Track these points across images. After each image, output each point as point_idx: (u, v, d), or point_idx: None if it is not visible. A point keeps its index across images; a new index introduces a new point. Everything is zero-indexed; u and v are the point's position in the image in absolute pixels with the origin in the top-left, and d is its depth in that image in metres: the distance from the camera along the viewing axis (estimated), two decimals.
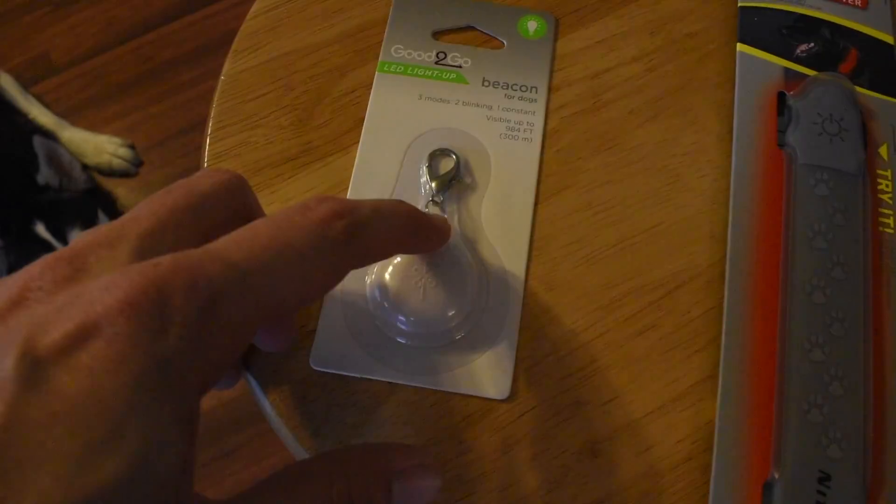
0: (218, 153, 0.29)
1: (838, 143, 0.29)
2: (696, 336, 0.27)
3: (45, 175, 0.92)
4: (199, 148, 0.95)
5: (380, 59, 0.31)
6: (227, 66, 0.31)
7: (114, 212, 1.03)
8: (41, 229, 0.87)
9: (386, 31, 0.31)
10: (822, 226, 0.28)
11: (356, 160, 0.29)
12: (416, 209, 0.22)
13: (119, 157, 1.04)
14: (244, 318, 0.17)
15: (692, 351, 0.26)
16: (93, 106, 1.10)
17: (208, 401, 0.95)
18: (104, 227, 0.18)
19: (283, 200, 0.28)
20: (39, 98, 1.09)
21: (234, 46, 0.31)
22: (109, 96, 1.11)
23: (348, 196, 0.28)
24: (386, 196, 0.28)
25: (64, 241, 0.88)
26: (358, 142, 0.29)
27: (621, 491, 0.25)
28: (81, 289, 0.16)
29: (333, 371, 0.25)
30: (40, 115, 1.04)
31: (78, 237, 0.18)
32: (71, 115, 1.09)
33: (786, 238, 0.28)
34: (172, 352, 0.15)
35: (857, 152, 0.29)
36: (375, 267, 0.26)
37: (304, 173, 0.29)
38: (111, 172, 1.05)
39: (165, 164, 1.08)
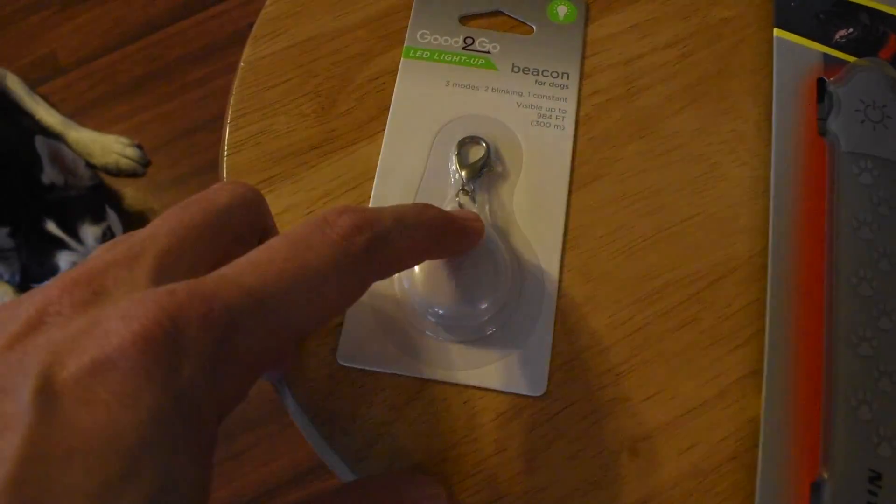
0: (238, 142, 0.28)
1: (882, 130, 0.28)
2: (738, 330, 0.25)
3: (49, 175, 0.91)
4: (208, 147, 0.95)
5: (405, 44, 0.30)
6: (246, 53, 0.30)
7: (120, 207, 1.02)
8: (52, 226, 0.86)
9: (411, 15, 0.30)
10: (867, 216, 0.26)
11: (382, 149, 0.27)
12: (443, 213, 0.21)
13: (126, 157, 1.04)
14: (262, 345, 0.16)
15: (734, 345, 0.25)
16: (100, 106, 1.09)
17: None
18: (122, 245, 0.17)
19: (306, 190, 0.27)
20: (46, 98, 1.08)
21: (253, 32, 0.30)
22: (117, 96, 1.10)
23: (374, 186, 0.27)
24: (413, 186, 0.27)
25: (75, 236, 0.87)
26: (383, 130, 0.28)
27: (663, 491, 0.24)
28: (99, 315, 0.15)
29: (361, 367, 0.24)
30: (47, 115, 1.03)
31: (95, 254, 0.17)
32: (78, 115, 1.08)
33: (829, 229, 0.27)
34: (188, 384, 0.15)
35: None
36: None
37: (328, 162, 0.27)
38: (119, 172, 1.04)
39: (173, 164, 1.07)
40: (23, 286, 0.93)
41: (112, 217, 0.95)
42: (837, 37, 0.30)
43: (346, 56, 0.30)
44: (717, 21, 0.30)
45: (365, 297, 0.24)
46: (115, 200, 1.03)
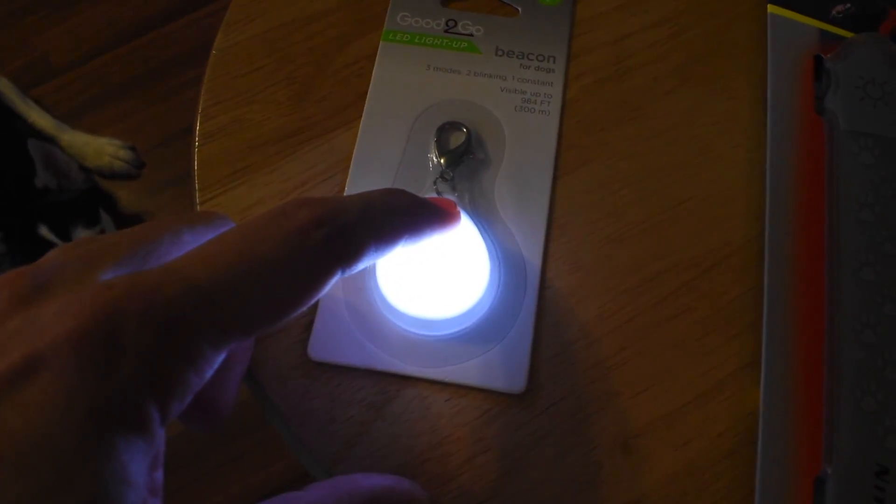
0: (209, 132, 0.27)
1: (882, 107, 0.26)
2: (734, 319, 0.24)
3: (42, 178, 0.90)
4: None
5: (384, 27, 0.28)
6: (218, 40, 0.28)
7: (115, 210, 1.01)
8: (45, 231, 0.85)
9: None
10: (869, 197, 0.25)
11: (358, 136, 0.26)
12: (414, 198, 0.20)
13: (120, 160, 1.03)
14: (207, 343, 0.15)
15: (731, 335, 0.24)
16: (93, 108, 1.08)
17: (169, 429, 0.92)
18: (84, 247, 0.16)
19: (281, 180, 0.26)
20: (39, 101, 1.07)
21: (226, 18, 0.29)
22: (110, 98, 1.09)
23: (349, 175, 0.26)
24: (390, 174, 0.26)
25: (68, 241, 0.86)
26: (361, 116, 0.27)
27: (658, 490, 0.22)
28: (36, 312, 0.14)
29: (334, 361, 0.23)
30: (39, 118, 1.02)
31: (53, 252, 0.16)
32: (71, 117, 1.07)
33: (829, 211, 0.25)
34: (126, 385, 0.14)
35: None
36: None
37: (304, 150, 0.26)
38: (113, 175, 1.03)
39: (167, 165, 1.06)
40: None
41: (106, 220, 0.94)
42: (835, 12, 0.29)
43: (321, 41, 0.28)
44: None
45: (338, 289, 0.23)
46: (110, 203, 1.02)
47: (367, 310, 0.23)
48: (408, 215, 0.19)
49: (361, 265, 0.18)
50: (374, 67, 0.28)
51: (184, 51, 1.12)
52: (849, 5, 0.29)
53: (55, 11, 1.15)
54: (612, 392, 0.23)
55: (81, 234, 0.88)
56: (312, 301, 0.17)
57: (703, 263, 0.25)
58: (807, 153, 0.27)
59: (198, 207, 0.26)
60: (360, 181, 0.26)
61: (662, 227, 0.25)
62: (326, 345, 0.23)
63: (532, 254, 0.24)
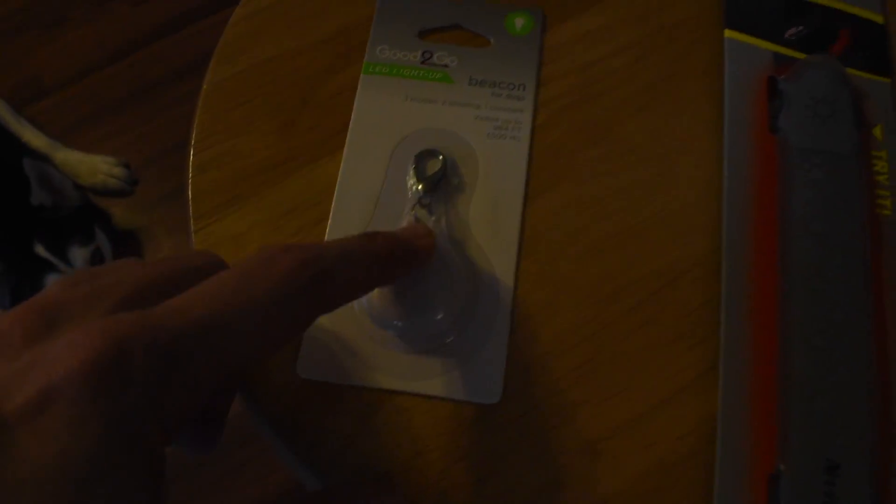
0: (202, 163, 0.29)
1: (832, 125, 0.29)
2: (696, 327, 0.26)
3: (37, 196, 0.92)
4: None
5: (365, 60, 0.31)
6: (209, 75, 0.31)
7: (109, 226, 1.03)
8: (41, 249, 0.87)
9: (371, 31, 0.31)
10: (819, 210, 0.27)
11: (342, 164, 0.28)
12: (390, 240, 0.22)
13: (114, 177, 1.05)
14: (206, 374, 0.17)
15: (693, 342, 0.26)
16: (86, 126, 1.10)
17: None
18: (85, 286, 0.18)
19: (270, 208, 0.28)
20: (32, 120, 1.09)
21: (216, 55, 0.31)
22: (103, 115, 1.11)
23: (334, 202, 0.28)
24: (372, 200, 0.28)
25: (64, 259, 0.88)
26: (344, 145, 0.29)
27: (625, 490, 0.24)
28: (48, 346, 0.16)
29: (321, 379, 0.25)
30: (33, 137, 1.04)
31: (54, 288, 0.18)
32: (65, 135, 1.09)
33: (782, 224, 0.27)
34: (134, 410, 0.15)
35: (852, 134, 0.28)
36: None
37: (291, 179, 0.28)
38: (107, 192, 1.05)
39: (161, 181, 1.08)
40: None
41: (101, 237, 0.96)
42: (788, 34, 0.31)
43: (306, 74, 0.30)
44: (670, 24, 0.31)
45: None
46: (104, 220, 1.04)
47: (350, 329, 0.25)
48: (384, 257, 0.21)
49: (343, 303, 0.20)
50: (356, 99, 0.30)
51: (174, 67, 1.15)
52: (802, 27, 0.31)
53: (46, 31, 1.17)
54: (582, 399, 0.25)
55: (77, 252, 0.90)
56: (295, 336, 0.19)
57: (666, 276, 0.27)
58: (762, 170, 0.29)
59: (193, 235, 0.28)
60: (344, 207, 0.28)
61: (628, 243, 0.27)
62: (313, 364, 0.25)
63: (505, 272, 0.26)
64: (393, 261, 0.22)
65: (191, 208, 0.28)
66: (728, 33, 0.31)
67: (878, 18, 0.32)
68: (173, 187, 1.07)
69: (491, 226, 0.27)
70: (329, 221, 0.28)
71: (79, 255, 0.90)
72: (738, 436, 0.25)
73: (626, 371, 0.26)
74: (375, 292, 0.24)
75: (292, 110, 0.30)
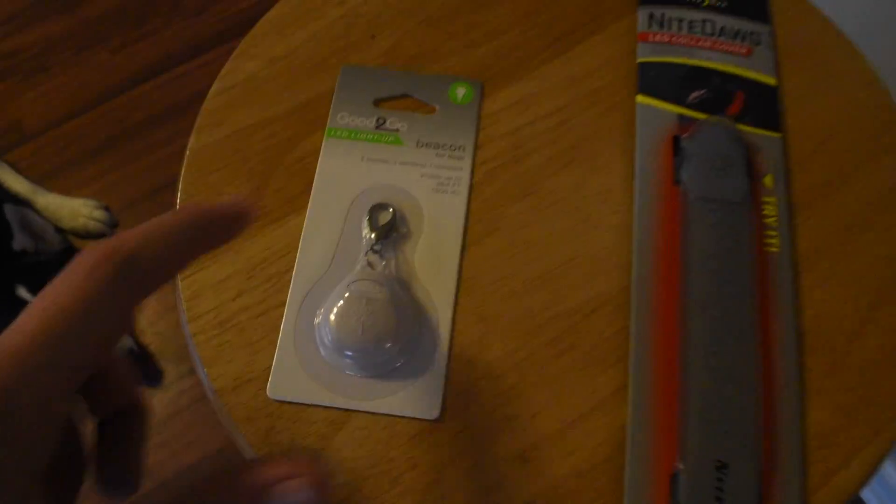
0: None
1: (726, 177, 0.34)
2: (609, 353, 0.32)
3: (19, 241, 0.96)
4: (174, 205, 1.02)
5: (327, 126, 0.36)
6: (191, 142, 0.36)
7: None
8: (23, 292, 0.91)
9: (333, 100, 0.37)
10: (714, 250, 0.33)
11: (306, 218, 0.34)
12: (198, 208, 0.22)
13: (95, 220, 1.09)
14: (40, 400, 0.18)
15: (607, 366, 0.32)
16: (67, 170, 1.15)
17: (194, 453, 0.98)
18: None
19: (245, 259, 0.33)
20: (14, 165, 1.14)
21: (196, 124, 0.36)
22: (83, 160, 1.16)
23: (298, 251, 0.33)
24: (331, 249, 0.33)
25: None
26: (308, 203, 0.34)
27: (550, 491, 0.29)
28: None
29: (289, 400, 0.30)
30: (15, 182, 1.09)
31: None
32: (46, 180, 1.14)
33: (683, 262, 0.33)
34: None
35: (743, 184, 0.34)
36: (322, 309, 0.31)
37: (262, 234, 0.34)
38: (88, 235, 1.10)
39: (140, 224, 1.13)
40: None
41: None
42: (691, 98, 0.37)
43: (276, 141, 0.36)
44: (590, 91, 0.37)
45: (289, 341, 0.31)
46: None
47: (312, 356, 0.31)
48: (191, 226, 0.22)
49: (161, 283, 0.21)
50: (319, 160, 0.35)
51: (153, 113, 1.20)
52: (703, 91, 0.38)
53: (26, 78, 1.23)
54: (513, 415, 0.30)
55: None
56: (125, 326, 0.20)
57: (584, 310, 0.32)
58: (666, 217, 0.34)
59: (179, 283, 0.33)
60: (308, 255, 0.33)
61: (552, 282, 0.33)
62: (282, 386, 0.30)
63: (445, 308, 0.32)
64: (204, 227, 0.22)
65: None
66: (640, 98, 0.37)
67: (772, 81, 0.38)
68: None
69: (433, 269, 0.32)
70: (294, 270, 0.33)
71: None
72: (644, 443, 0.30)
73: (549, 391, 0.31)
74: (333, 325, 0.30)
75: (263, 174, 0.35)
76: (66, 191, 1.14)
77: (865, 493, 1.01)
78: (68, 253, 1.04)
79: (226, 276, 0.33)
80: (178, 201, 0.35)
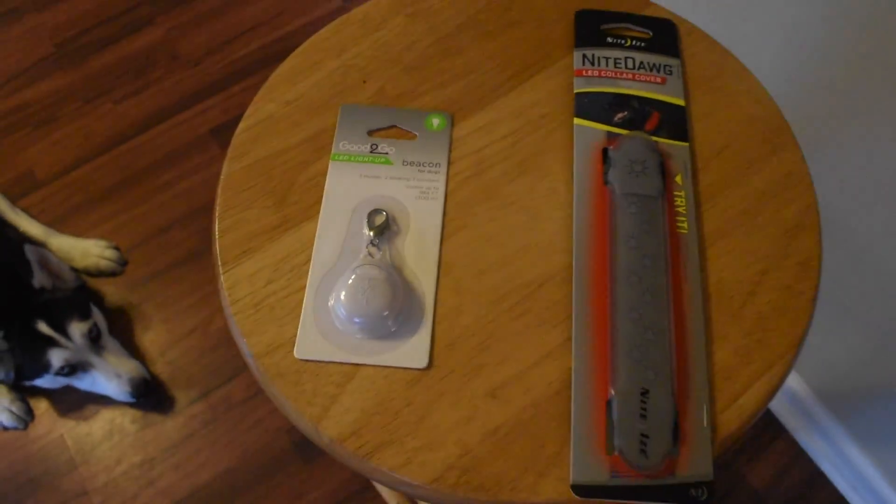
0: (224, 229, 0.45)
1: (643, 177, 0.46)
2: (557, 314, 0.42)
3: (38, 279, 1.07)
4: (180, 243, 1.18)
5: (332, 152, 0.47)
6: (224, 169, 0.47)
7: (102, 305, 1.17)
8: (43, 326, 1.01)
9: (335, 133, 0.48)
10: (634, 232, 0.44)
11: (318, 224, 0.45)
12: None
13: (106, 259, 1.20)
14: None
15: (556, 324, 0.42)
16: (78, 214, 1.26)
17: (227, 461, 1.07)
18: None
19: (270, 256, 0.44)
20: (27, 211, 1.25)
21: (228, 154, 0.47)
22: (92, 203, 1.27)
23: (314, 248, 0.44)
24: (339, 245, 0.44)
25: (64, 334, 1.02)
26: (319, 212, 0.45)
27: (513, 418, 0.40)
28: None
29: (311, 359, 0.41)
30: (29, 226, 1.20)
31: None
32: (58, 223, 1.25)
33: (611, 243, 0.44)
34: None
35: (657, 182, 0.45)
36: (334, 291, 0.41)
37: (284, 237, 0.45)
38: (99, 273, 1.21)
39: (149, 262, 1.23)
40: (17, 384, 1.07)
41: (97, 314, 1.10)
42: (616, 119, 0.49)
43: (292, 165, 0.47)
44: (538, 116, 0.49)
45: (309, 314, 0.41)
46: (98, 299, 1.19)
47: (328, 325, 0.41)
48: None
49: None
50: (327, 178, 0.46)
51: (157, 158, 1.32)
52: (626, 113, 0.49)
53: (36, 129, 1.35)
54: (483, 364, 0.41)
55: (76, 327, 1.04)
56: None
57: (537, 283, 0.43)
58: (598, 210, 0.45)
59: (221, 276, 0.43)
60: (322, 250, 0.44)
61: (511, 264, 0.44)
62: (305, 349, 0.41)
63: (428, 286, 0.42)
64: None
65: (219, 259, 0.44)
66: (576, 121, 0.48)
67: (681, 102, 0.50)
68: (161, 266, 1.23)
69: (419, 256, 0.43)
70: (311, 262, 0.43)
71: (77, 329, 1.04)
72: (585, 379, 0.41)
73: (511, 344, 0.41)
74: (344, 300, 0.40)
75: (283, 191, 0.46)
76: (77, 233, 1.24)
77: (833, 475, 1.11)
78: (82, 290, 1.14)
79: (257, 270, 0.44)
80: (216, 215, 0.45)
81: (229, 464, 1.08)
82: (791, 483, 1.11)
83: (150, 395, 1.12)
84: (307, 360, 0.41)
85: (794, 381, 1.11)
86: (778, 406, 1.16)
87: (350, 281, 0.41)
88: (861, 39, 0.73)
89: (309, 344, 0.41)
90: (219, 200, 0.46)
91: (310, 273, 0.43)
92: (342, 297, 0.41)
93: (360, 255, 0.43)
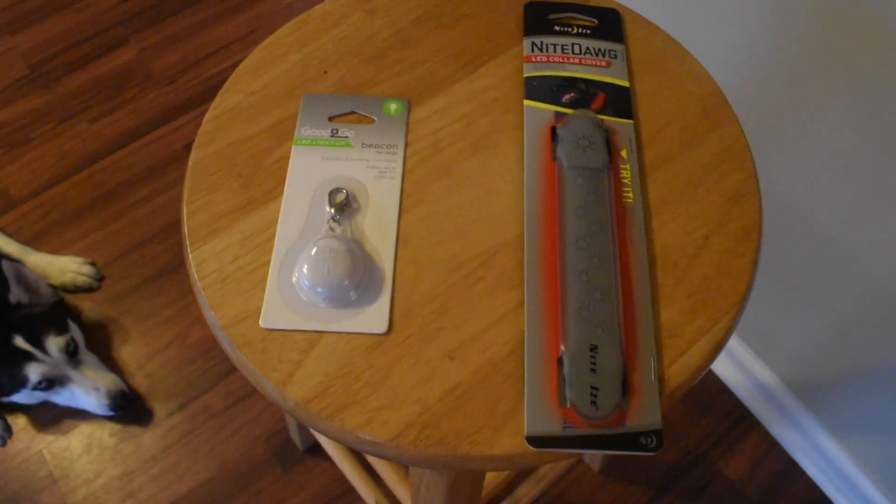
0: (193, 210, 0.47)
1: (589, 151, 0.48)
2: (510, 280, 0.45)
3: (15, 294, 1.08)
4: (156, 257, 1.20)
5: (294, 137, 0.50)
6: (192, 156, 0.49)
7: (80, 320, 1.18)
8: (20, 341, 1.02)
9: (297, 119, 0.51)
10: (582, 202, 0.47)
11: (282, 203, 0.47)
12: None
13: (82, 275, 1.21)
14: None
15: (509, 288, 0.45)
16: (54, 231, 1.28)
17: (207, 471, 1.08)
18: None
19: (239, 233, 0.46)
20: (2, 230, 1.26)
21: (195, 142, 0.50)
22: (69, 221, 1.29)
23: (278, 226, 0.46)
24: (302, 222, 0.46)
25: (42, 349, 1.03)
26: (283, 192, 0.48)
27: (471, 377, 0.42)
28: None
29: (276, 328, 0.43)
30: (6, 245, 1.21)
31: None
32: (34, 241, 1.26)
33: (560, 212, 0.47)
34: None
35: (603, 156, 0.48)
36: (298, 264, 0.44)
37: (250, 216, 0.47)
38: (76, 289, 1.22)
39: (125, 276, 1.25)
40: None
41: (74, 328, 1.11)
42: (564, 99, 0.52)
43: (257, 150, 0.49)
44: (490, 100, 0.52)
45: (275, 286, 0.43)
46: (76, 314, 1.20)
47: (293, 296, 0.43)
48: None
49: None
50: (290, 161, 0.49)
51: (132, 175, 1.34)
52: (573, 94, 0.52)
53: (11, 150, 1.36)
54: (441, 327, 0.43)
55: (53, 341, 1.06)
56: None
57: (491, 251, 0.46)
58: (548, 182, 0.48)
59: (189, 256, 0.46)
60: (286, 227, 0.46)
61: (467, 235, 0.46)
62: (271, 318, 0.43)
63: (387, 257, 0.45)
64: None
65: (187, 239, 0.46)
66: (526, 102, 0.51)
67: (625, 83, 0.53)
68: (137, 281, 1.24)
69: (378, 231, 0.46)
70: (276, 238, 0.46)
71: (55, 343, 1.05)
72: (538, 339, 0.43)
73: (468, 308, 0.44)
74: (306, 270, 0.42)
75: (248, 174, 0.49)
76: (54, 251, 1.26)
77: (806, 464, 1.14)
78: (59, 305, 1.15)
79: (224, 247, 0.46)
80: (184, 198, 0.48)
81: (209, 473, 1.09)
82: (766, 474, 1.14)
83: (128, 407, 1.13)
84: (272, 329, 0.43)
85: (764, 374, 1.14)
86: (750, 399, 1.19)
87: (312, 252, 0.43)
88: (811, 28, 0.77)
89: (274, 314, 0.43)
90: (186, 185, 0.48)
91: (274, 249, 0.45)
92: (304, 267, 0.43)
93: (322, 230, 0.45)
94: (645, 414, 0.42)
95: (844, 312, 0.96)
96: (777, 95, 0.86)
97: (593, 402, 0.41)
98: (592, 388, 0.42)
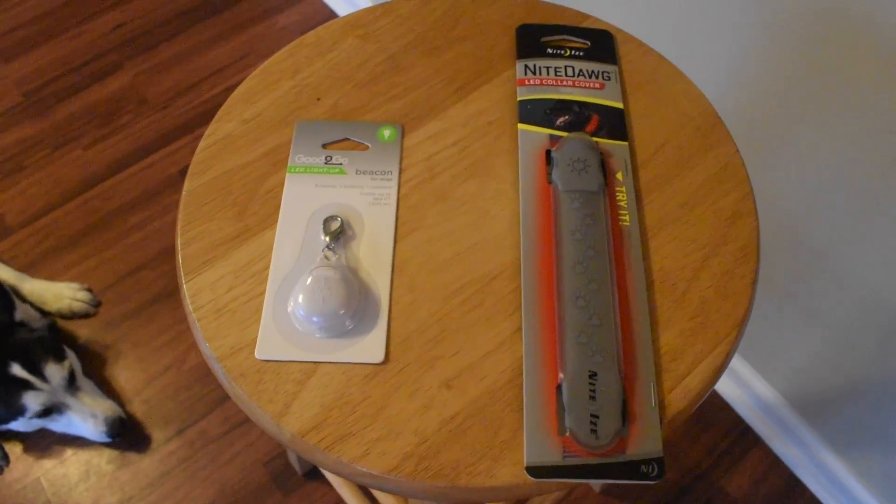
0: (188, 240, 0.47)
1: (584, 174, 0.48)
2: (507, 306, 0.44)
3: (21, 311, 1.07)
4: (151, 283, 1.20)
5: (288, 164, 0.49)
6: (186, 185, 0.49)
7: (76, 347, 1.18)
8: (17, 369, 1.01)
9: (291, 146, 0.50)
10: (578, 226, 0.46)
11: (277, 231, 0.47)
12: None
13: (78, 301, 1.20)
14: None
15: (507, 315, 0.44)
16: (49, 258, 1.27)
17: (206, 496, 1.07)
18: None
19: (233, 264, 0.46)
20: None
21: (189, 172, 0.49)
22: (64, 247, 1.28)
23: (273, 255, 0.46)
24: (297, 251, 0.46)
25: (40, 376, 1.02)
26: (277, 220, 0.47)
27: (468, 406, 0.41)
28: None
29: (272, 359, 0.42)
30: (2, 271, 1.21)
31: None
32: (30, 268, 1.25)
33: (556, 236, 0.46)
34: None
35: (598, 179, 0.48)
36: (293, 294, 0.43)
37: (245, 245, 0.46)
38: (72, 315, 1.21)
39: (122, 302, 1.24)
40: None
41: (71, 355, 1.10)
42: (558, 122, 0.52)
43: (251, 178, 0.49)
44: (484, 124, 0.51)
45: (269, 315, 0.43)
46: (72, 340, 1.19)
47: (288, 326, 0.43)
48: None
49: None
50: (284, 190, 0.48)
51: (127, 200, 1.33)
52: (567, 117, 0.52)
53: (6, 177, 1.36)
54: (438, 356, 0.43)
55: (53, 368, 1.04)
56: None
57: (488, 277, 0.45)
58: (543, 206, 0.48)
59: (184, 285, 0.45)
60: (280, 256, 0.46)
61: (462, 261, 0.46)
62: (266, 349, 0.42)
63: (383, 285, 0.44)
64: None
65: (181, 269, 0.46)
66: (520, 126, 0.51)
67: (620, 105, 0.53)
68: (133, 306, 1.24)
69: (373, 258, 0.45)
70: (270, 267, 0.45)
71: (55, 370, 1.04)
72: (536, 366, 0.42)
73: (465, 336, 0.43)
74: (302, 300, 0.42)
75: (243, 202, 0.48)
76: (50, 278, 1.25)
77: (808, 481, 1.13)
78: (55, 331, 1.15)
79: (219, 277, 0.45)
80: (178, 228, 0.47)
81: (208, 499, 1.07)
82: (768, 491, 1.13)
83: (126, 434, 1.11)
84: (268, 361, 0.42)
85: (765, 390, 1.14)
86: (751, 415, 1.18)
87: (307, 282, 0.43)
88: (805, 45, 0.77)
89: (269, 345, 0.43)
90: (181, 215, 0.48)
91: (269, 278, 0.45)
92: (300, 297, 0.42)
93: (317, 258, 0.45)
94: (646, 441, 0.41)
95: (843, 327, 0.95)
96: (771, 113, 0.86)
97: (593, 431, 0.41)
98: (592, 415, 0.41)
